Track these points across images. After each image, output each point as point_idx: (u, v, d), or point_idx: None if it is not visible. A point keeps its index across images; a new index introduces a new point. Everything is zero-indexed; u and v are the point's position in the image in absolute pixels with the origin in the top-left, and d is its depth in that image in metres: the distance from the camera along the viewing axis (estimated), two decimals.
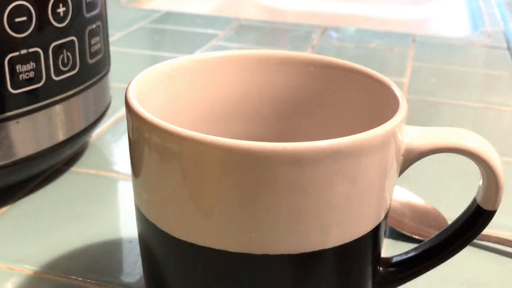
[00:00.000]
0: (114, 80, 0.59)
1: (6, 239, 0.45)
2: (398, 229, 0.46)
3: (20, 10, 0.42)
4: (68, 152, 0.52)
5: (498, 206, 0.35)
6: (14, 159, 0.46)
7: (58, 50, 0.46)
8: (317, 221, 0.30)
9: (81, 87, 0.50)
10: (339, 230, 0.31)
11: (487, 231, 0.38)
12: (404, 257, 0.37)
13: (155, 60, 0.83)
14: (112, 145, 0.59)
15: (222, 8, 1.15)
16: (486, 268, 0.44)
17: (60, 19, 0.46)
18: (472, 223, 0.35)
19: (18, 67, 0.43)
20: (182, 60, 0.38)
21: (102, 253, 0.43)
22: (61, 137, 0.49)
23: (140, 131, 0.31)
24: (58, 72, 0.46)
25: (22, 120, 0.45)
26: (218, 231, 0.30)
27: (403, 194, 0.49)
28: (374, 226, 0.33)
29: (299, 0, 1.15)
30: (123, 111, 0.64)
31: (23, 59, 0.43)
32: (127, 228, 0.46)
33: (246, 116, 0.41)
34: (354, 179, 0.30)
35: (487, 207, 0.35)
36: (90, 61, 0.50)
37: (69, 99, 0.48)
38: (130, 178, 0.34)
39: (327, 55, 0.40)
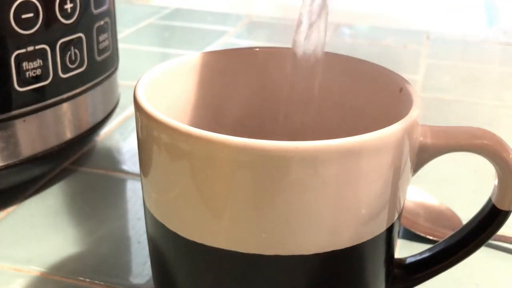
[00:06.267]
0: (123, 78, 0.59)
1: (13, 239, 0.44)
2: (412, 230, 0.45)
3: (26, 6, 0.42)
4: (75, 151, 0.52)
5: None
6: (20, 158, 0.45)
7: (65, 47, 0.46)
8: (329, 221, 0.29)
9: (89, 85, 0.49)
10: (352, 231, 0.30)
11: (502, 231, 0.37)
12: (418, 258, 0.37)
13: (164, 57, 0.83)
14: (121, 144, 0.59)
15: (232, 5, 1.14)
16: (502, 269, 0.43)
17: (67, 16, 0.45)
18: (487, 224, 0.35)
19: (24, 64, 0.43)
20: (192, 57, 0.38)
21: (111, 254, 0.43)
22: (68, 135, 0.49)
23: (149, 130, 0.31)
24: (66, 69, 0.46)
25: (28, 118, 0.45)
26: (228, 231, 0.30)
27: (418, 194, 0.49)
28: (387, 227, 0.32)
29: None
30: (131, 109, 0.63)
31: (30, 56, 0.43)
32: (136, 228, 0.46)
33: (258, 114, 0.41)
34: (367, 179, 0.29)
35: (502, 207, 0.34)
36: (98, 58, 0.50)
37: (76, 97, 0.48)
38: (139, 178, 0.34)
39: (340, 52, 0.39)
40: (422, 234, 0.45)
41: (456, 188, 0.53)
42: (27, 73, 0.43)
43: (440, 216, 0.47)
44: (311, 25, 0.36)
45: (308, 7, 0.36)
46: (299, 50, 0.37)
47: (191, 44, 0.90)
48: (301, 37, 0.36)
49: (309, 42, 0.36)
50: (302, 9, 0.36)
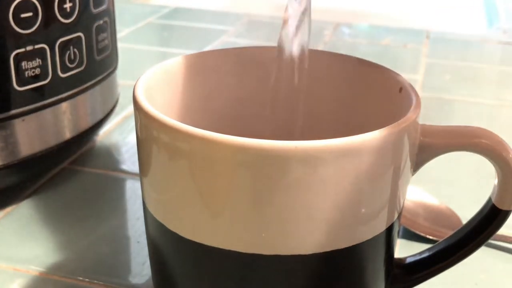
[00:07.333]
0: (122, 77, 0.58)
1: (12, 239, 0.44)
2: (412, 229, 0.45)
3: (26, 5, 0.42)
4: (75, 150, 0.52)
5: None
6: (19, 157, 0.45)
7: (64, 46, 0.46)
8: (328, 221, 0.29)
9: (88, 84, 0.49)
10: (351, 230, 0.30)
11: (502, 231, 0.37)
12: (418, 257, 0.37)
13: (163, 56, 0.83)
14: (120, 143, 0.59)
15: (232, 4, 1.14)
16: (501, 269, 0.43)
17: (66, 15, 0.45)
18: (487, 223, 0.35)
19: (23, 63, 0.43)
20: (191, 56, 0.38)
21: (110, 254, 0.43)
22: (67, 135, 0.48)
23: (149, 130, 0.31)
24: (65, 69, 0.46)
25: (28, 118, 0.45)
26: (228, 231, 0.30)
27: (417, 193, 0.48)
28: (387, 226, 0.32)
29: None
30: (131, 108, 0.63)
31: (29, 56, 0.43)
32: (135, 228, 0.46)
33: (257, 114, 0.41)
34: (367, 178, 0.29)
35: (502, 206, 0.34)
36: (97, 58, 0.50)
37: (75, 97, 0.48)
38: (138, 177, 0.34)
39: (340, 51, 0.39)
40: (422, 234, 0.45)
41: (456, 188, 0.52)
42: (26, 72, 0.43)
43: (439, 216, 0.47)
44: (297, 23, 0.36)
45: (294, 6, 0.36)
46: (285, 49, 0.37)
47: (190, 44, 0.89)
48: (287, 35, 0.36)
49: (294, 40, 0.36)
50: (288, 8, 0.36)
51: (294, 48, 0.37)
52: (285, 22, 0.36)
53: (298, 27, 0.36)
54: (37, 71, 0.44)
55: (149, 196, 0.33)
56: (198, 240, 0.31)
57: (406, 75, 0.36)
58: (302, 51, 0.37)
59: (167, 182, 0.31)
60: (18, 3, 0.41)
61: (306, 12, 0.36)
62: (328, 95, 0.39)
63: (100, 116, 0.53)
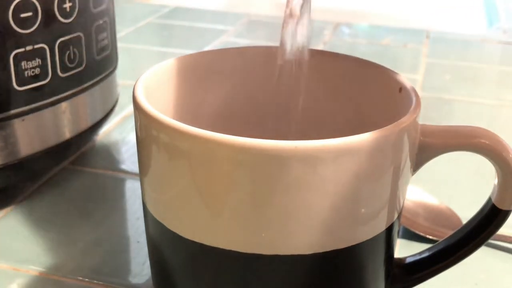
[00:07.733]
0: (122, 77, 0.58)
1: (11, 239, 0.44)
2: (412, 229, 0.45)
3: (25, 5, 0.42)
4: (74, 150, 0.52)
5: None
6: (19, 157, 0.45)
7: (64, 46, 0.46)
8: (328, 221, 0.29)
9: (87, 84, 0.49)
10: (351, 230, 0.30)
11: (502, 231, 0.37)
12: (418, 257, 0.37)
13: (163, 56, 0.83)
14: (120, 143, 0.59)
15: (231, 3, 1.14)
16: (501, 268, 0.43)
17: (66, 15, 0.45)
18: (487, 223, 0.35)
19: (23, 63, 0.43)
20: (191, 56, 0.38)
21: (110, 254, 0.43)
22: (67, 135, 0.48)
23: (148, 129, 0.31)
24: (65, 68, 0.46)
25: (27, 117, 0.45)
26: (228, 231, 0.30)
27: (417, 193, 0.48)
28: (387, 226, 0.32)
29: None
30: (130, 108, 0.63)
31: (29, 56, 0.43)
32: (135, 228, 0.46)
33: (257, 113, 0.41)
34: (367, 178, 0.29)
35: (502, 206, 0.34)
36: (97, 58, 0.50)
37: (75, 96, 0.48)
38: (138, 177, 0.34)
39: (340, 51, 0.39)
40: (422, 234, 0.45)
41: (456, 188, 0.52)
42: (26, 72, 0.43)
43: (439, 216, 0.47)
44: (295, 23, 0.36)
45: (291, 6, 0.36)
46: (285, 48, 0.37)
47: (190, 43, 0.89)
48: (288, 35, 0.36)
49: (295, 40, 0.36)
50: (286, 8, 0.36)
51: (294, 48, 0.37)
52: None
53: (296, 26, 0.36)
54: (37, 71, 0.44)
55: (149, 196, 0.33)
56: (198, 240, 0.31)
57: (406, 75, 0.36)
58: (303, 51, 0.37)
59: (167, 182, 0.31)
60: (18, 3, 0.41)
61: (304, 10, 0.36)
62: (328, 95, 0.39)
63: (100, 116, 0.52)
